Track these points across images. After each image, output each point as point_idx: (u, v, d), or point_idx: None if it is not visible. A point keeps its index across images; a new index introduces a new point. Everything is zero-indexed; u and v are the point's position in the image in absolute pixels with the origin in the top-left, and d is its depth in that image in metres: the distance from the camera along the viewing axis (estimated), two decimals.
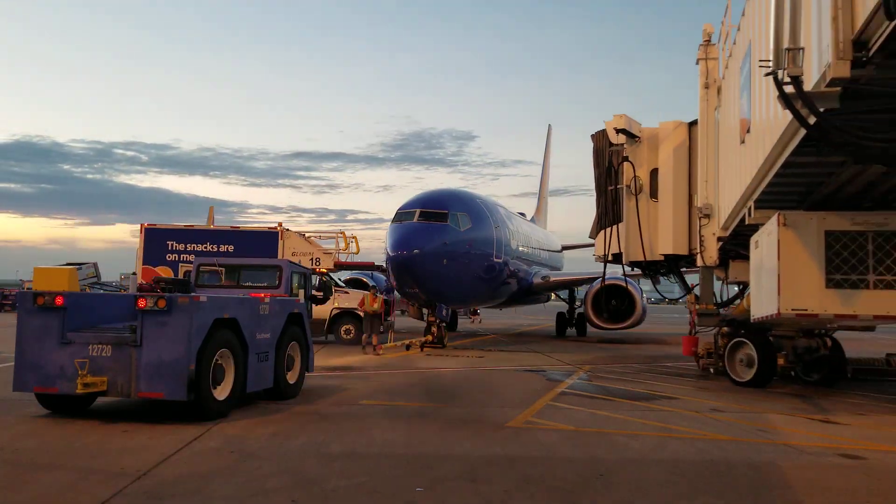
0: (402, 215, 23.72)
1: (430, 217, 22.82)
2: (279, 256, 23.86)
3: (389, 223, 23.60)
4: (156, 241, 24.70)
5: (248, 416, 9.43)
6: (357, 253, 24.65)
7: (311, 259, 24.50)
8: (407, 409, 10.57)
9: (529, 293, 31.10)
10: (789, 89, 6.80)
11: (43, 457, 6.98)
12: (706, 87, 16.81)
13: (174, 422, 8.87)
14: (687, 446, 8.24)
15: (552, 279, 31.77)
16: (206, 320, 9.26)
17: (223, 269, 13.34)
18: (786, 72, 6.74)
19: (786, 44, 6.73)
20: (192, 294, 9.96)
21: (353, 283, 30.26)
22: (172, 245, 24.62)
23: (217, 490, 5.96)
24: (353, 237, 24.78)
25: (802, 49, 6.68)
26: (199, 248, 24.51)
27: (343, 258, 26.02)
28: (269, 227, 25.01)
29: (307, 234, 25.73)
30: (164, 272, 23.86)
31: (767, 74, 7.13)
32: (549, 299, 38.35)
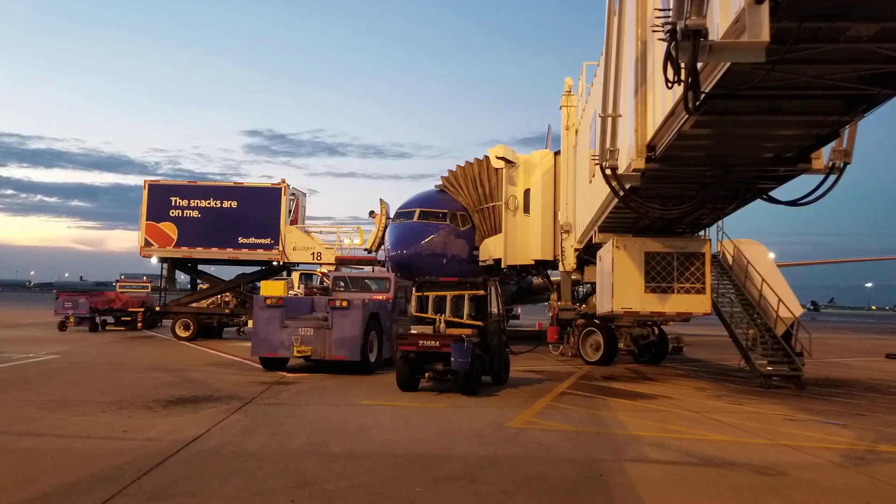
0: (401, 214, 23.73)
1: (430, 216, 22.83)
2: (281, 213, 24.11)
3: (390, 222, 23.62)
4: (159, 198, 24.56)
5: (247, 416, 9.43)
6: (362, 244, 24.50)
7: (313, 254, 24.36)
8: (406, 408, 10.57)
9: (529, 292, 31.06)
10: (609, 172, 10.23)
11: (43, 457, 6.97)
12: (567, 128, 20.85)
13: (174, 422, 8.88)
14: (687, 446, 8.25)
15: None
16: (367, 314, 14.56)
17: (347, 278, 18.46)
18: (607, 163, 10.17)
19: (608, 145, 10.11)
20: (363, 298, 15.12)
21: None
22: (175, 201, 24.50)
23: (217, 490, 5.95)
24: (358, 228, 24.57)
25: (618, 149, 10.14)
26: (203, 203, 24.44)
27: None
28: (272, 185, 24.83)
29: (308, 229, 25.54)
30: (166, 228, 24.24)
31: (597, 164, 10.61)
32: (548, 299, 38.32)
